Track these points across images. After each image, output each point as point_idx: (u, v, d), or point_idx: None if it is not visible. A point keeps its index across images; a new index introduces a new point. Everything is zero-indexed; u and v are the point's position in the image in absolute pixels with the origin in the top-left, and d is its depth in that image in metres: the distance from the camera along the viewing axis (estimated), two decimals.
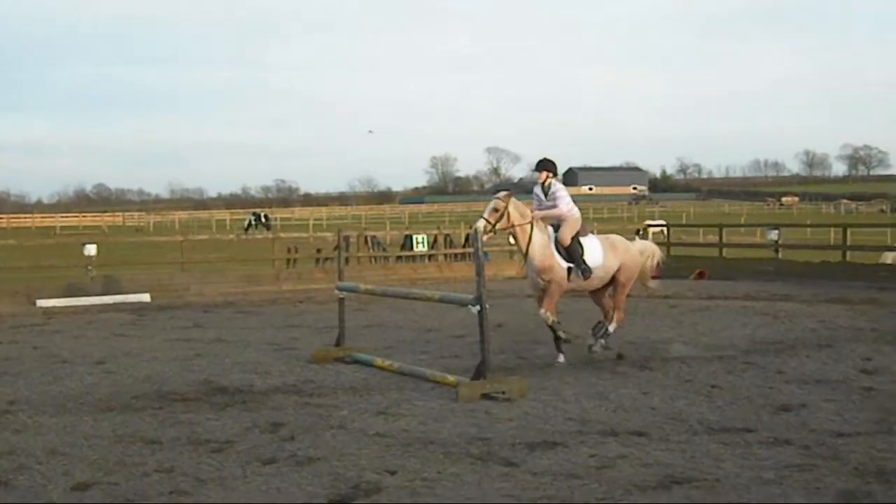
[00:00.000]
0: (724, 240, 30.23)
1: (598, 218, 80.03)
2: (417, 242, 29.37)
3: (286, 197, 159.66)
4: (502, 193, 11.95)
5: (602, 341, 12.33)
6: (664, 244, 31.99)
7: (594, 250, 12.16)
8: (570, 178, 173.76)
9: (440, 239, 30.02)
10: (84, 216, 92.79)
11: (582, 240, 12.10)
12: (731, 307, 17.83)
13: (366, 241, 29.64)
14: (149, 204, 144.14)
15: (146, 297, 21.32)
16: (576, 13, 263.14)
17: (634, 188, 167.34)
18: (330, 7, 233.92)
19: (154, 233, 65.73)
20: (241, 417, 8.73)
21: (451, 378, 9.98)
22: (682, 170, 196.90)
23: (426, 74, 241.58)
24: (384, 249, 30.73)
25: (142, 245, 36.47)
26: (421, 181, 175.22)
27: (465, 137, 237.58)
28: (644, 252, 13.17)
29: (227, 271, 25.68)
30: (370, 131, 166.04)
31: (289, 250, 28.62)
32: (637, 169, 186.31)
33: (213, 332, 15.28)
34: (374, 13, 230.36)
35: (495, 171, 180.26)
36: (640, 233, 34.08)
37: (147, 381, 10.82)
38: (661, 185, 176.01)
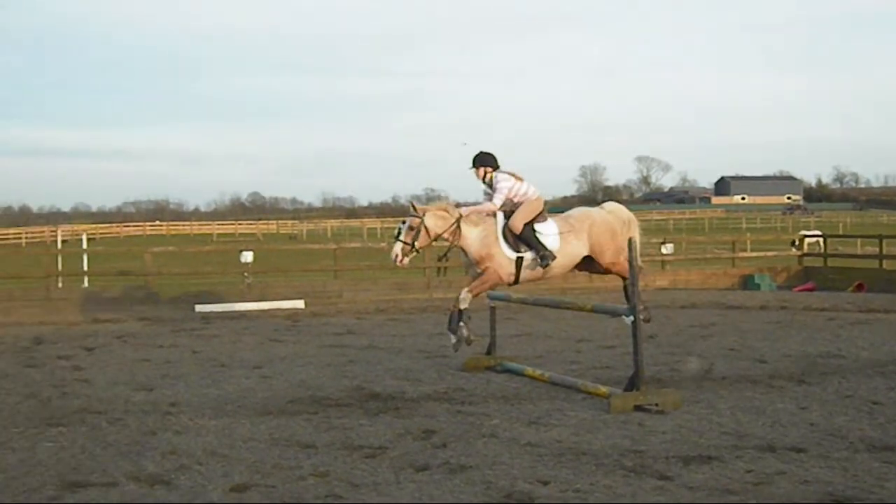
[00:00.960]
0: (884, 251, 29.17)
1: (751, 228, 78.42)
2: None
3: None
4: (414, 210, 11.48)
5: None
6: (821, 255, 31.27)
7: (549, 235, 11.58)
8: (723, 187, 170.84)
9: None
10: (239, 224, 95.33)
11: (538, 226, 11.54)
12: (892, 321, 17.20)
13: None
14: (301, 212, 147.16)
15: (300, 304, 21.76)
16: (726, 18, 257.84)
17: (788, 198, 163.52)
18: (479, 15, 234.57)
19: (307, 240, 67.07)
20: (393, 424, 8.82)
21: (603, 389, 9.89)
22: (839, 179, 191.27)
23: (574, 81, 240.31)
24: None
25: (296, 253, 37.18)
26: (569, 190, 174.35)
27: (614, 146, 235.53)
28: (616, 215, 12.24)
29: (378, 279, 25.99)
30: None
31: (439, 259, 28.80)
32: (791, 178, 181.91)
33: (365, 338, 15.48)
34: (519, 19, 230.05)
35: (645, 179, 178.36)
36: (796, 243, 33.28)
37: (302, 386, 11.04)
38: (817, 195, 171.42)
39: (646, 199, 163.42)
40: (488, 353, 12.18)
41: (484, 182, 11.83)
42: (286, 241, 66.33)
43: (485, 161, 11.83)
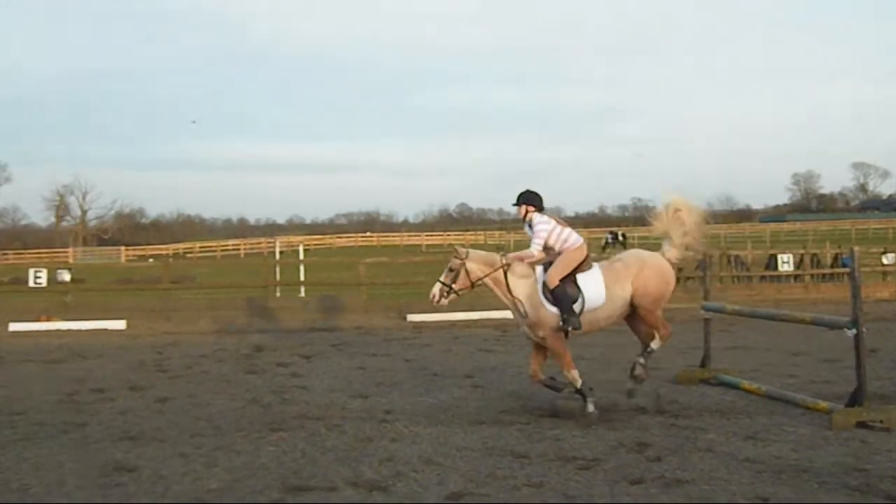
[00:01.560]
0: None
1: None
2: (783, 262, 28.31)
3: (643, 216, 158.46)
4: (460, 252, 10.60)
5: (641, 360, 10.34)
6: None
7: (593, 287, 10.34)
8: None
9: (806, 259, 28.88)
10: (447, 234, 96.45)
11: (580, 276, 10.34)
12: None
13: (728, 261, 29.04)
14: (508, 223, 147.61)
15: (509, 314, 21.76)
16: None
17: None
18: (693, 21, 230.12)
19: (514, 250, 67.23)
20: (606, 436, 8.75)
21: (823, 404, 9.56)
22: None
23: (784, 88, 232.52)
24: (747, 269, 29.89)
25: None
26: (782, 198, 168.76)
27: (828, 153, 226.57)
28: (672, 259, 10.77)
29: None
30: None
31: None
32: None
33: (576, 349, 15.38)
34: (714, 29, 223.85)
35: (862, 187, 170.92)
36: None
37: (513, 395, 11.10)
38: None
39: (863, 207, 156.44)
40: (702, 365, 11.95)
41: (524, 221, 10.81)
42: (493, 252, 66.60)
43: (528, 199, 10.74)
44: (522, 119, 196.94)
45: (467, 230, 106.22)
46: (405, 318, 21.20)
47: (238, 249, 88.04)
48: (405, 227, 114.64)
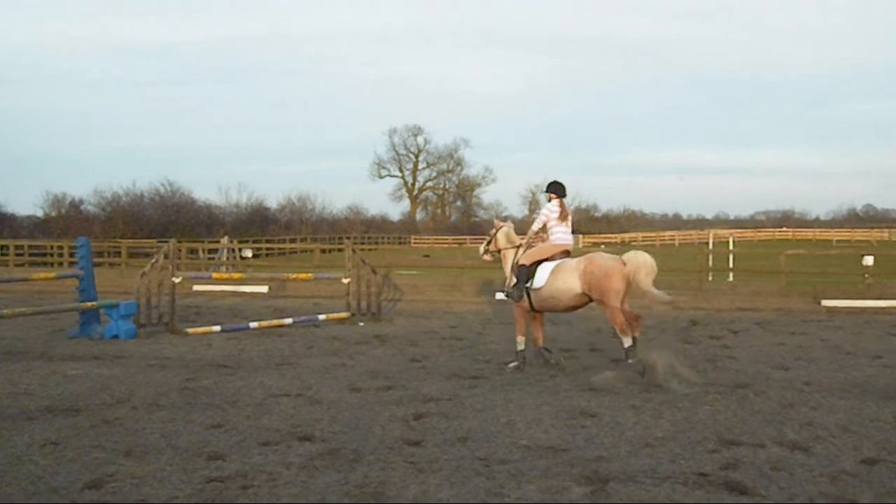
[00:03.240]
0: None
1: None
2: None
3: None
4: (498, 222, 11.52)
5: (629, 360, 9.93)
6: None
7: (541, 274, 10.50)
8: None
9: None
10: (854, 231, 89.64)
11: (543, 264, 10.57)
12: None
13: None
14: None
15: None
16: None
17: None
18: None
19: None
20: None
21: None
22: None
23: None
24: None
25: None
26: None
27: None
28: (629, 263, 10.08)
29: None
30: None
31: None
32: None
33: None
34: None
35: None
36: None
37: None
38: None
39: None
40: None
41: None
42: None
43: (553, 189, 11.04)
44: None
45: (872, 228, 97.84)
46: (819, 303, 19.98)
47: (673, 240, 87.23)
48: (816, 224, 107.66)
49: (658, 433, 7.22)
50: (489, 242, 11.50)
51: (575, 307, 10.67)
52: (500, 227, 11.48)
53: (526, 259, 10.78)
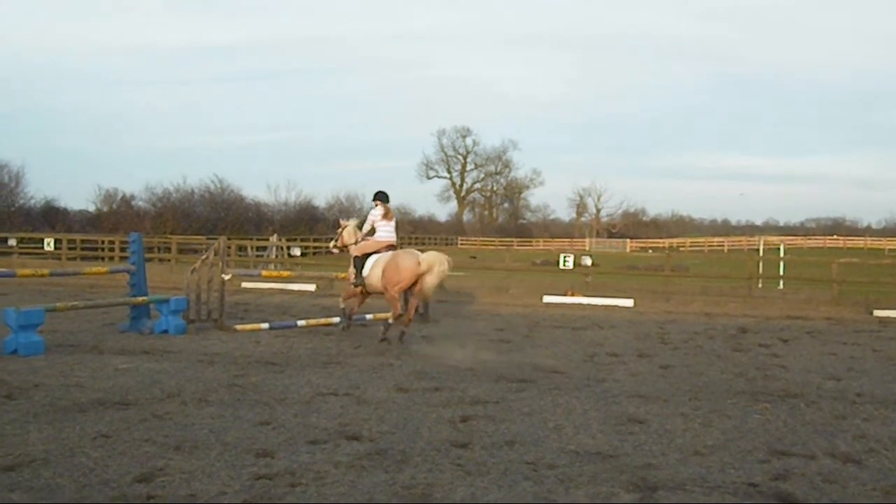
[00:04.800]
0: None
1: None
2: None
3: None
4: (343, 222, 13.98)
5: (382, 326, 12.81)
6: None
7: (369, 264, 12.82)
8: None
9: None
10: None
11: (372, 256, 12.85)
12: None
13: None
14: None
15: None
16: None
17: None
18: None
19: None
20: None
21: None
22: None
23: None
24: None
25: None
26: None
27: None
28: (423, 264, 12.25)
29: None
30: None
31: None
32: None
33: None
34: None
35: None
36: None
37: None
38: None
39: None
40: None
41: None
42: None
43: (377, 196, 13.24)
44: None
45: None
46: (872, 313, 19.65)
47: (722, 245, 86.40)
48: (868, 232, 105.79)
49: (708, 441, 7.12)
50: (336, 239, 13.76)
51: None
52: (345, 226, 13.73)
53: (358, 251, 13.08)
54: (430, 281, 12.23)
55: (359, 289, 13.05)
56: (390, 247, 13.00)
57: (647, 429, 7.54)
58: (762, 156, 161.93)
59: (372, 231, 13.22)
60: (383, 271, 12.44)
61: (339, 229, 13.79)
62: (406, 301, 12.75)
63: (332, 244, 14.00)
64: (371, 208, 13.31)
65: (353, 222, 13.80)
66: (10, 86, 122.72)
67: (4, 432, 6.83)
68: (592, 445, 6.88)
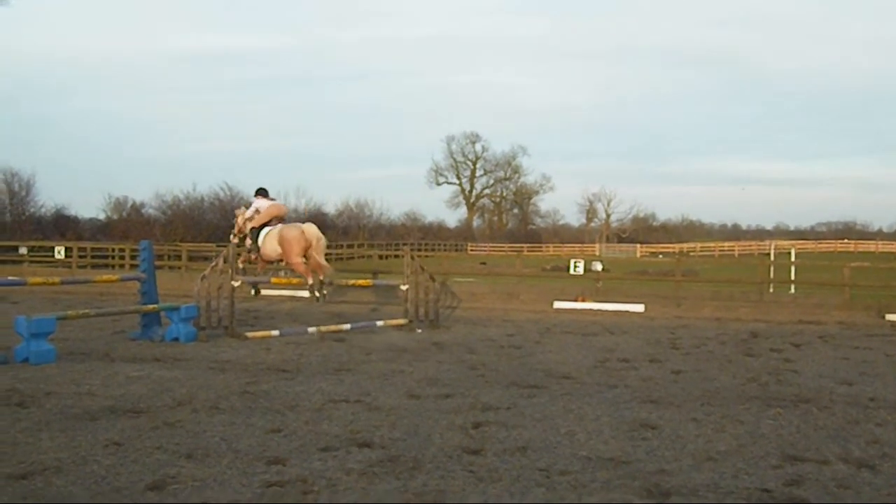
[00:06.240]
0: None
1: None
2: None
3: None
4: (237, 211, 16.20)
5: (317, 293, 14.77)
6: None
7: (261, 236, 14.97)
8: None
9: None
10: None
11: (265, 229, 15.00)
12: None
13: None
14: None
15: None
16: None
17: None
18: None
19: None
20: None
21: None
22: None
23: None
24: None
25: None
26: None
27: None
28: (306, 233, 14.58)
29: None
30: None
31: None
32: None
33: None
34: None
35: None
36: None
37: None
38: None
39: None
40: None
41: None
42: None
43: (259, 191, 15.86)
44: None
45: None
46: (884, 317, 19.56)
47: (733, 250, 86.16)
48: (879, 235, 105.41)
49: (720, 447, 7.09)
50: (234, 230, 15.49)
51: (280, 260, 15.02)
52: (239, 214, 15.74)
53: (254, 223, 15.13)
54: (318, 250, 14.57)
55: (254, 256, 15.16)
56: (279, 219, 15.30)
57: (660, 434, 7.51)
58: (772, 160, 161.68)
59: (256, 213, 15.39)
60: (279, 243, 14.61)
61: (235, 219, 15.88)
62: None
63: (231, 236, 15.58)
64: (254, 201, 15.72)
65: (241, 211, 15.89)
66: (19, 94, 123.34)
67: (17, 440, 6.85)
68: (605, 451, 6.86)
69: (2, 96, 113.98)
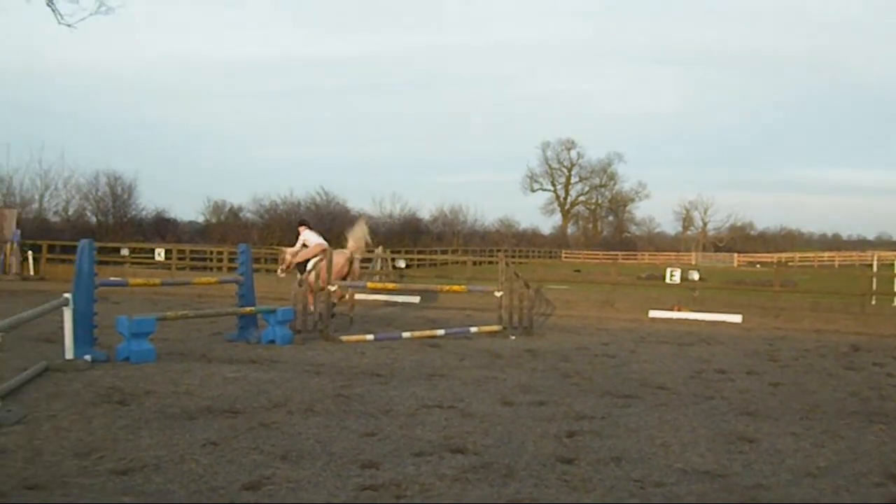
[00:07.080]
0: None
1: None
2: None
3: None
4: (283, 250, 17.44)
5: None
6: None
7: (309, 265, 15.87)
8: None
9: None
10: None
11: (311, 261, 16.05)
12: None
13: None
14: None
15: None
16: None
17: None
18: None
19: None
20: None
21: None
22: None
23: None
24: None
25: None
26: None
27: None
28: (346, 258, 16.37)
29: None
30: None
31: None
32: None
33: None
34: None
35: None
36: None
37: None
38: None
39: None
40: None
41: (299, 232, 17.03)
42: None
43: (302, 222, 17.35)
44: None
45: None
46: None
47: (833, 261, 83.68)
48: None
49: (820, 462, 6.88)
50: (283, 265, 16.94)
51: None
52: (286, 251, 16.95)
53: (300, 258, 16.42)
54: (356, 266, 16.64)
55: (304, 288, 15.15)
56: (324, 251, 15.98)
57: (757, 448, 7.32)
58: (874, 168, 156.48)
59: (304, 247, 16.58)
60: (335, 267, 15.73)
61: (281, 255, 17.18)
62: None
63: (278, 271, 17.22)
64: (304, 232, 16.89)
65: (288, 249, 16.89)
66: (123, 99, 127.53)
67: (117, 437, 7.05)
68: (700, 464, 6.72)
69: (110, 100, 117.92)
